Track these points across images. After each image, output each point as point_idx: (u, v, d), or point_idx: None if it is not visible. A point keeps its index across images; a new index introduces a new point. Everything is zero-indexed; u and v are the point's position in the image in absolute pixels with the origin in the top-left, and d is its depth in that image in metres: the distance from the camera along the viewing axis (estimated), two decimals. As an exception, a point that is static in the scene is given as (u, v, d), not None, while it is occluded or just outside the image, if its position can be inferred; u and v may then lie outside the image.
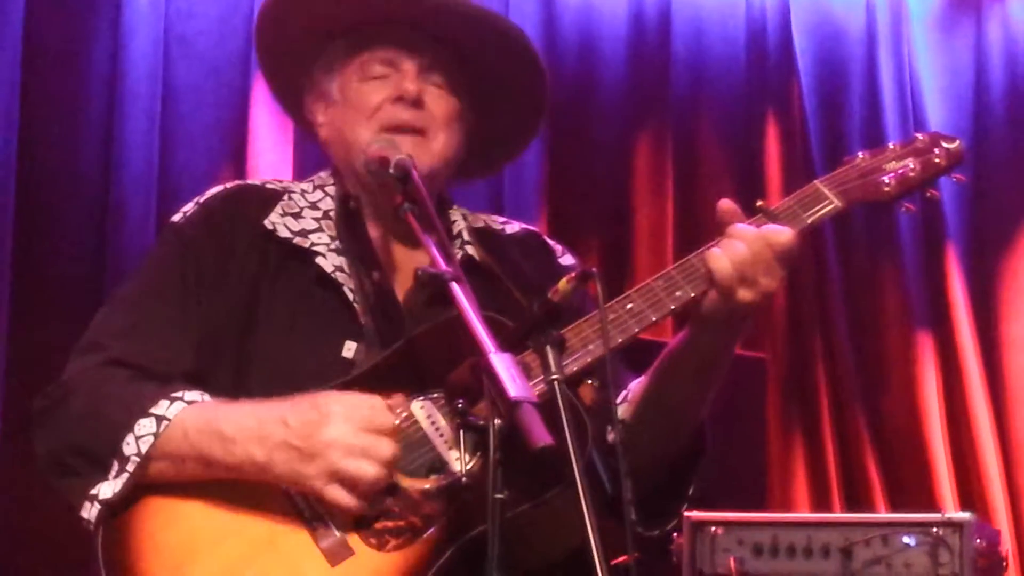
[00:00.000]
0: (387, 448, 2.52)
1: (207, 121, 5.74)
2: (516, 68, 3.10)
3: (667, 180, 6.43)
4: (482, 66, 3.06)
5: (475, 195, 5.81)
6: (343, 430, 2.52)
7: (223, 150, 5.82)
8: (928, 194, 2.87)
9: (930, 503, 6.11)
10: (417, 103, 2.92)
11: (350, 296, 2.82)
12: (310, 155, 5.43)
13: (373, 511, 2.55)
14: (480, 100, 3.06)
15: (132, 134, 5.62)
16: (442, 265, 2.46)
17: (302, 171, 5.45)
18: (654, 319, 2.63)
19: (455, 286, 2.40)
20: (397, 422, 2.59)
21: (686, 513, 4.21)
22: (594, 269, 2.50)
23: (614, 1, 6.56)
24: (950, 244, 6.57)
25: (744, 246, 2.62)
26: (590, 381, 2.55)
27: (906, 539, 4.04)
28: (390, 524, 2.56)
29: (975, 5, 6.85)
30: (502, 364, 2.21)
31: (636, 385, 2.85)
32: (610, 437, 2.74)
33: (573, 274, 2.49)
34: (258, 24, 3.15)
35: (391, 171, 2.72)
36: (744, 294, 2.62)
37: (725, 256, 2.62)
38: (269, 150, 5.62)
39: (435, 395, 2.63)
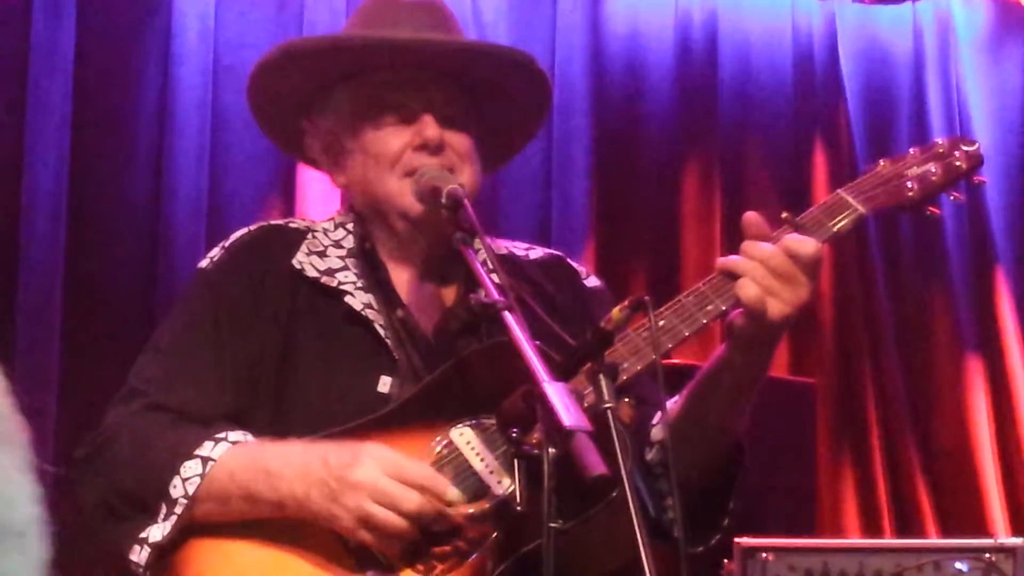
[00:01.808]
0: (413, 500, 2.52)
1: (256, 150, 5.77)
2: (519, 83, 3.09)
3: (715, 206, 6.44)
4: (482, 84, 3.04)
5: (522, 223, 5.84)
6: (371, 473, 2.54)
7: (272, 179, 5.88)
8: (951, 197, 2.90)
9: (981, 528, 6.08)
10: (439, 148, 2.92)
11: (381, 332, 2.82)
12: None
13: (414, 550, 2.56)
14: (480, 112, 3.05)
15: (182, 163, 5.70)
16: (495, 295, 2.47)
17: (350, 199, 5.48)
18: (687, 333, 2.64)
19: (508, 315, 2.41)
20: (438, 449, 2.62)
21: (737, 539, 4.21)
22: (646, 297, 2.50)
23: (661, 29, 6.58)
24: (999, 267, 6.55)
25: (758, 264, 2.62)
26: (627, 399, 2.56)
27: (958, 565, 4.02)
28: (436, 550, 2.57)
29: (1023, 27, 6.84)
30: (556, 393, 2.22)
31: (672, 404, 2.86)
32: (648, 456, 2.80)
33: (626, 302, 2.48)
34: (254, 74, 3.06)
35: (443, 200, 2.73)
36: (774, 308, 2.62)
37: (747, 279, 2.63)
38: (317, 179, 5.64)
39: (473, 421, 2.64)
